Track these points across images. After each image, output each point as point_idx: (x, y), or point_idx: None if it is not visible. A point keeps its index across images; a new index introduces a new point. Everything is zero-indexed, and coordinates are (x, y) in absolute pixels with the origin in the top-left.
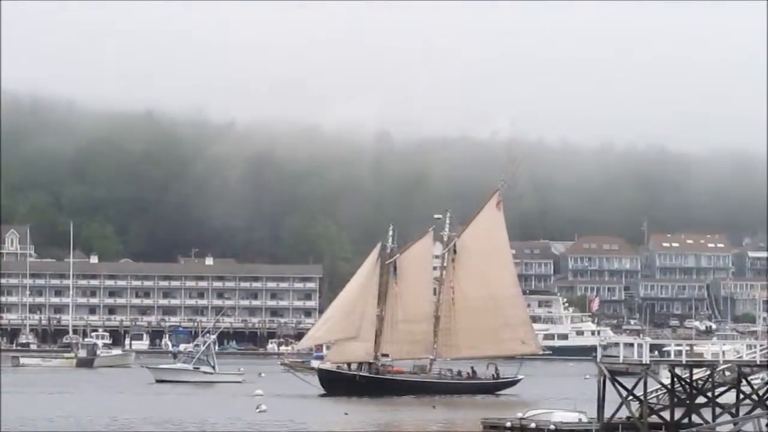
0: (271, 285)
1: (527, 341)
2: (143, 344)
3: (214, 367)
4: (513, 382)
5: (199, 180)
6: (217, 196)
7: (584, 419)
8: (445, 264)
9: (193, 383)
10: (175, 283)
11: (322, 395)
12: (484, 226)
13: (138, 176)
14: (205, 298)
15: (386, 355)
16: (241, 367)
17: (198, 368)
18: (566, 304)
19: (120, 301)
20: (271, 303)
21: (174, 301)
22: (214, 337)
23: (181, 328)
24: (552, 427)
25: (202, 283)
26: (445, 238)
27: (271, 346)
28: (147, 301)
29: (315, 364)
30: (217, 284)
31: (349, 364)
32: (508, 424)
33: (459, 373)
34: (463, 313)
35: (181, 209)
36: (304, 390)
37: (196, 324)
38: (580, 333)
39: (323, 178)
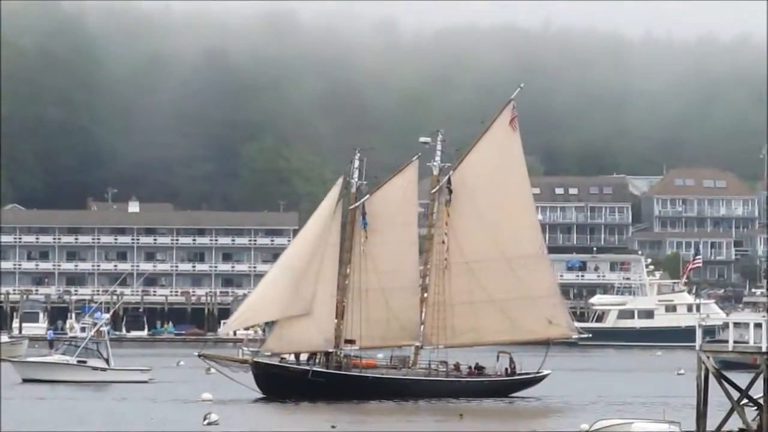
0: (225, 241)
1: (556, 320)
2: (39, 327)
3: (107, 361)
4: (535, 380)
5: (119, 90)
6: (145, 115)
7: None
8: (435, 209)
9: (77, 383)
10: (84, 239)
11: (260, 399)
12: (492, 153)
13: (31, 86)
14: (127, 260)
15: (352, 342)
16: (181, 360)
17: (84, 362)
18: (651, 267)
19: (5, 265)
20: (225, 267)
21: (83, 265)
22: (107, 316)
23: (93, 305)
24: None
25: (124, 239)
26: (435, 172)
27: (224, 328)
28: (44, 265)
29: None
30: (146, 240)
31: (297, 356)
32: None
33: (457, 366)
34: (463, 280)
35: (94, 133)
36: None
37: (115, 298)
38: (671, 309)
39: (299, 87)
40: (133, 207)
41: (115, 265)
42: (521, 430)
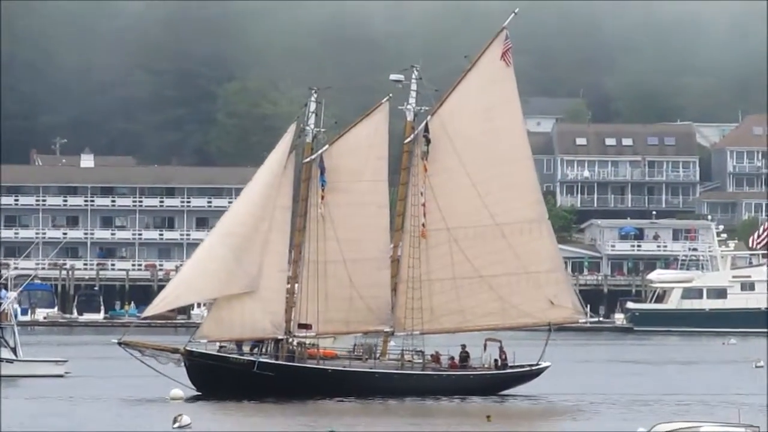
0: (199, 203)
1: (558, 300)
2: None
3: (15, 351)
4: (531, 374)
5: (68, 18)
6: (101, 47)
7: None
8: (410, 163)
9: None
10: (26, 201)
11: (195, 397)
12: (480, 94)
13: None
14: (79, 227)
15: (307, 327)
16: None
17: None
18: (724, 236)
19: None
20: (199, 235)
21: (25, 233)
22: (14, 294)
23: (38, 281)
24: None
25: (75, 200)
26: (410, 117)
27: (198, 311)
28: None
29: None
30: (102, 202)
31: (239, 344)
32: None
33: (436, 357)
34: (443, 250)
35: (37, 69)
36: None
37: (65, 273)
38: (748, 287)
39: (293, 14)
40: (87, 161)
41: (65, 233)
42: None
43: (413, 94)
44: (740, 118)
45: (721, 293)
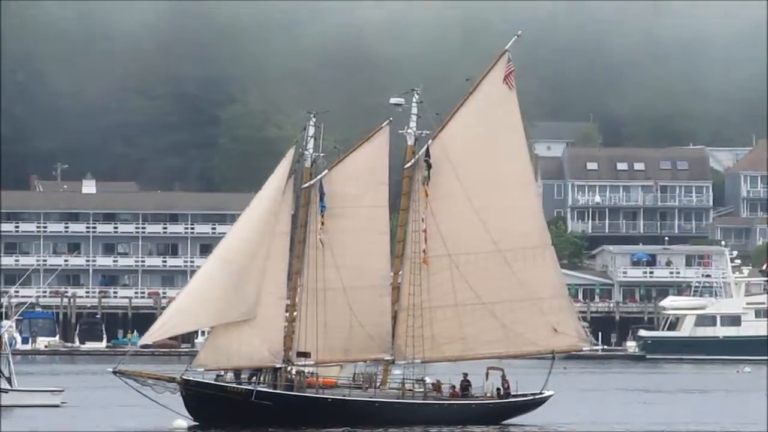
0: (203, 229)
1: (562, 328)
2: None
3: (9, 380)
4: (534, 403)
5: (64, 39)
6: (99, 70)
7: None
8: (411, 189)
9: None
10: (27, 227)
11: (193, 427)
12: (482, 118)
13: None
14: (81, 254)
15: (306, 355)
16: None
17: None
18: (738, 261)
19: None
20: (203, 262)
21: (25, 260)
22: (8, 324)
23: (39, 310)
24: None
25: (77, 227)
26: (410, 141)
27: (203, 339)
28: None
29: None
30: (105, 228)
31: (237, 373)
32: None
33: (437, 386)
34: (445, 277)
35: (36, 94)
36: None
37: (67, 301)
38: (762, 314)
39: (293, 35)
40: (88, 187)
41: (66, 260)
42: None
43: (414, 117)
44: (754, 141)
45: (735, 320)
